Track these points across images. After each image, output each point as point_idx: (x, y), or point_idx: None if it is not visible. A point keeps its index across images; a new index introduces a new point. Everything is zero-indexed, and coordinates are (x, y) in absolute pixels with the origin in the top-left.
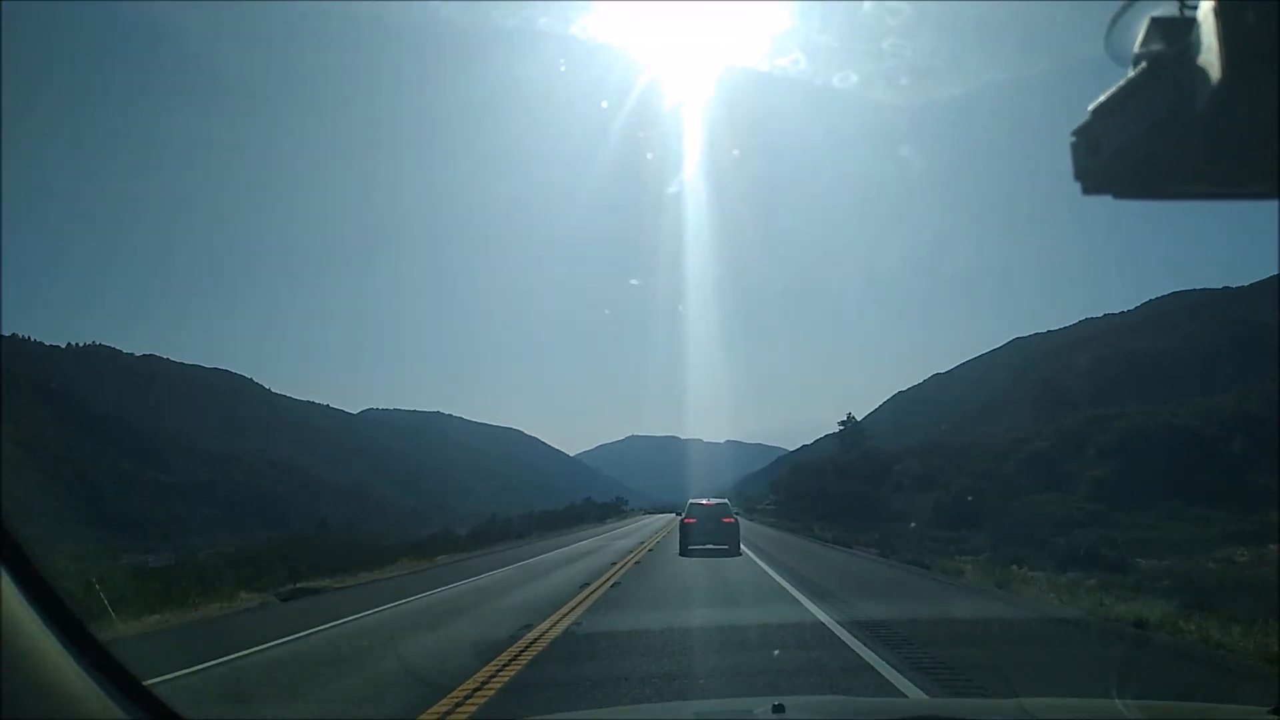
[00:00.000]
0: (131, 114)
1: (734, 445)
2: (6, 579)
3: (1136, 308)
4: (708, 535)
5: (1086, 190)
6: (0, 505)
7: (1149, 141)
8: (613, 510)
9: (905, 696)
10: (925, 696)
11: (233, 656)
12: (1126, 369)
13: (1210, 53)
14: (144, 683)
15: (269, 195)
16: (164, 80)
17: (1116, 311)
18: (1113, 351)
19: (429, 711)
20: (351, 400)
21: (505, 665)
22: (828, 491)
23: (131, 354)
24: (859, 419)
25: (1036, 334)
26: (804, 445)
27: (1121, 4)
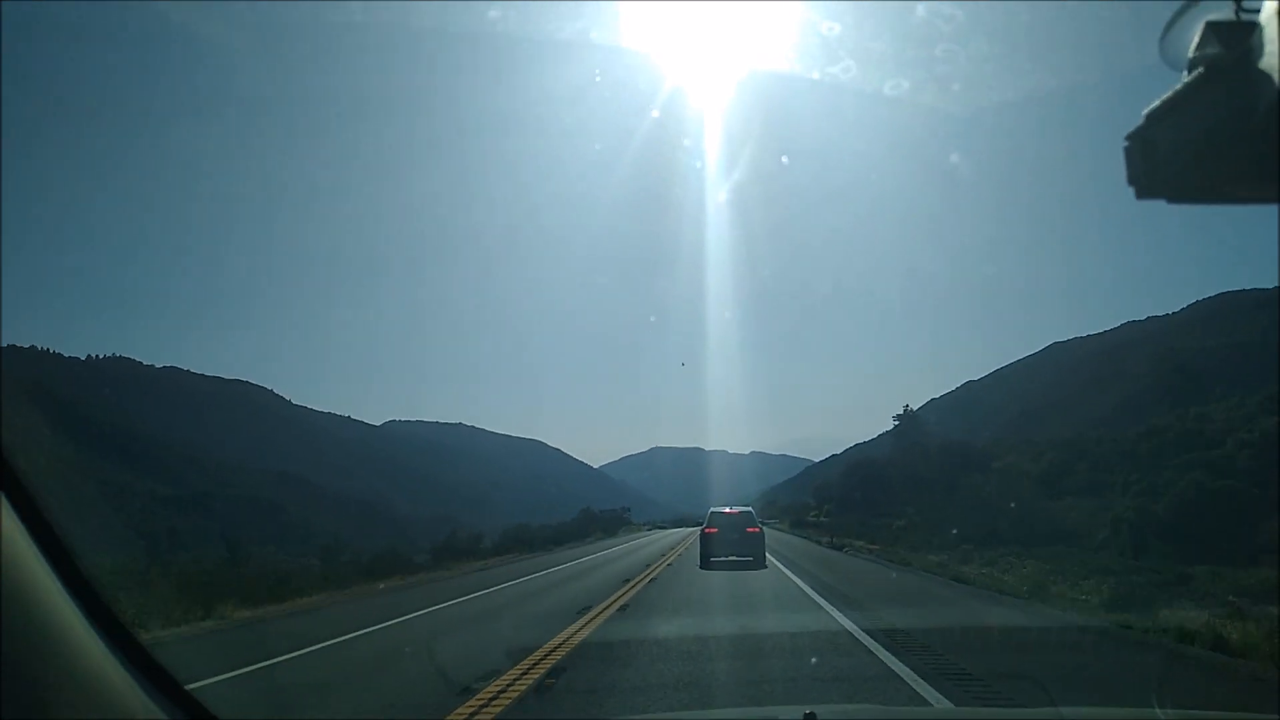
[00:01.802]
0: (157, 124)
1: (759, 456)
2: (57, 581)
3: (1183, 309)
4: (730, 546)
5: (1140, 195)
6: (46, 509)
7: (1205, 146)
8: (618, 523)
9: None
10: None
11: None
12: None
13: (1272, 56)
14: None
15: (295, 206)
16: (190, 90)
17: (1161, 314)
18: (1166, 349)
19: None
20: (374, 412)
21: None
22: (893, 495)
23: (152, 366)
24: (888, 428)
25: (1077, 338)
26: (833, 455)
27: (1176, 7)
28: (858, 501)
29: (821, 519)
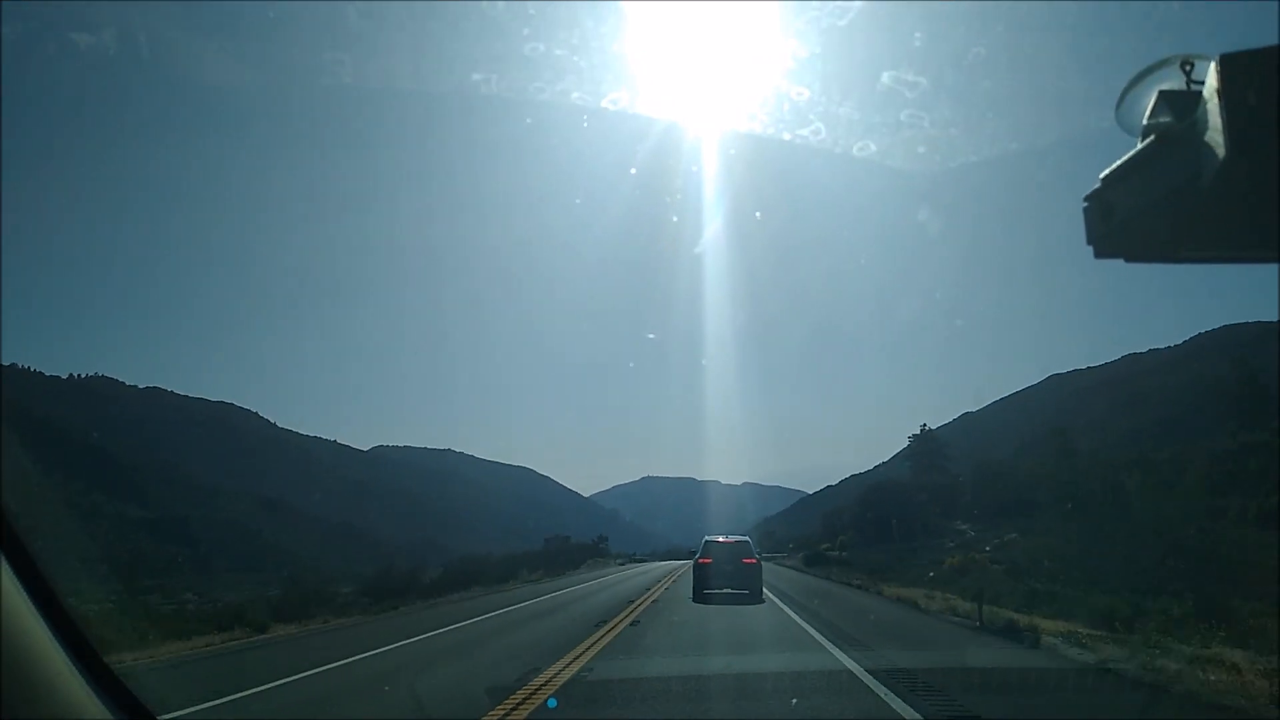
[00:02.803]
0: (144, 142)
1: (752, 487)
2: (25, 597)
3: (1184, 342)
4: (726, 578)
5: (1098, 254)
6: (17, 531)
7: (1158, 209)
8: (592, 553)
9: None
10: None
11: None
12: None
13: (1215, 131)
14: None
15: (288, 229)
16: (180, 112)
17: (1163, 346)
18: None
19: None
20: (362, 437)
21: None
22: (925, 523)
23: (135, 386)
24: (885, 459)
25: (1076, 370)
26: (828, 486)
27: (1131, 77)
28: (878, 530)
29: (839, 552)
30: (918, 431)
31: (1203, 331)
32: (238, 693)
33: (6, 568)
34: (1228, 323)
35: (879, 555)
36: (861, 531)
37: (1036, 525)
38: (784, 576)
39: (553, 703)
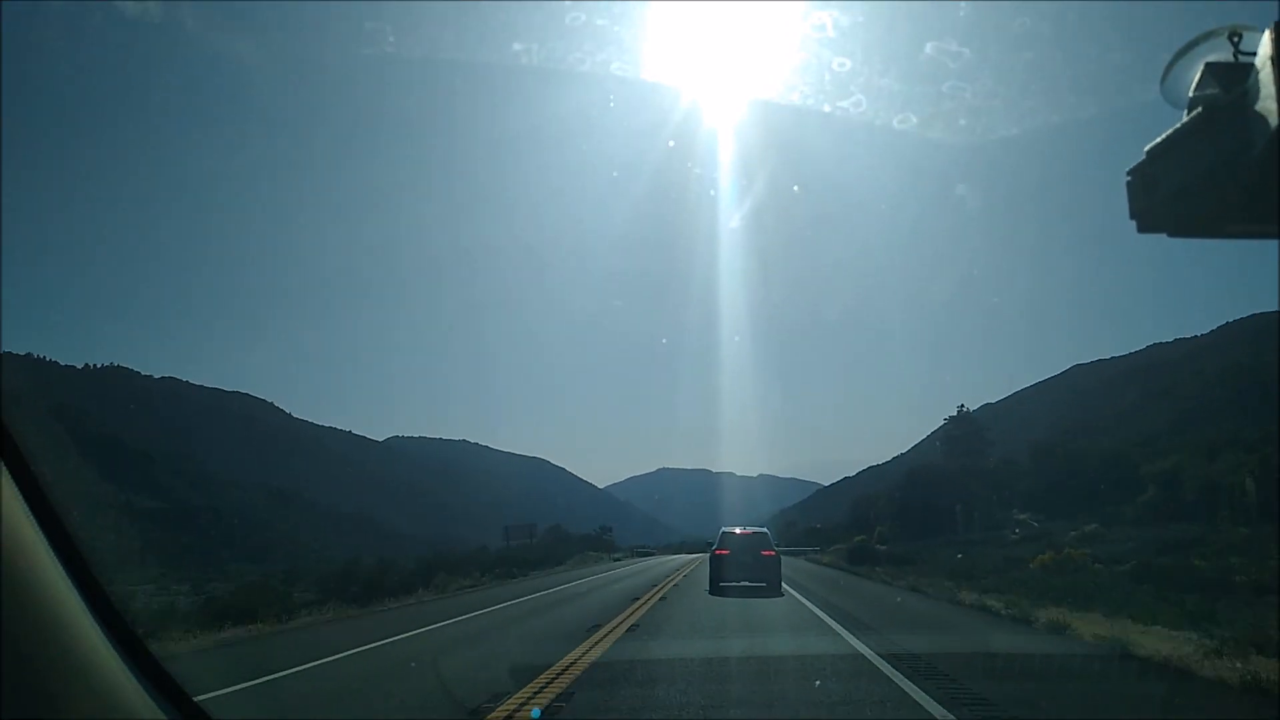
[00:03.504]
0: (162, 132)
1: (767, 479)
2: (75, 592)
3: (1211, 331)
4: (744, 570)
5: (1141, 229)
6: (67, 522)
7: (1204, 184)
8: (598, 545)
9: None
10: None
11: None
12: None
13: (1269, 99)
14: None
15: (307, 219)
16: (200, 102)
17: (1189, 336)
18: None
19: None
20: (377, 427)
21: None
22: (983, 510)
23: (150, 376)
24: (904, 450)
25: (1100, 360)
26: (845, 478)
27: (1177, 49)
28: (921, 520)
29: (882, 546)
30: (954, 413)
31: (1230, 321)
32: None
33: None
34: (1256, 311)
35: (935, 550)
36: (902, 521)
37: (1121, 514)
38: (837, 585)
39: (536, 713)
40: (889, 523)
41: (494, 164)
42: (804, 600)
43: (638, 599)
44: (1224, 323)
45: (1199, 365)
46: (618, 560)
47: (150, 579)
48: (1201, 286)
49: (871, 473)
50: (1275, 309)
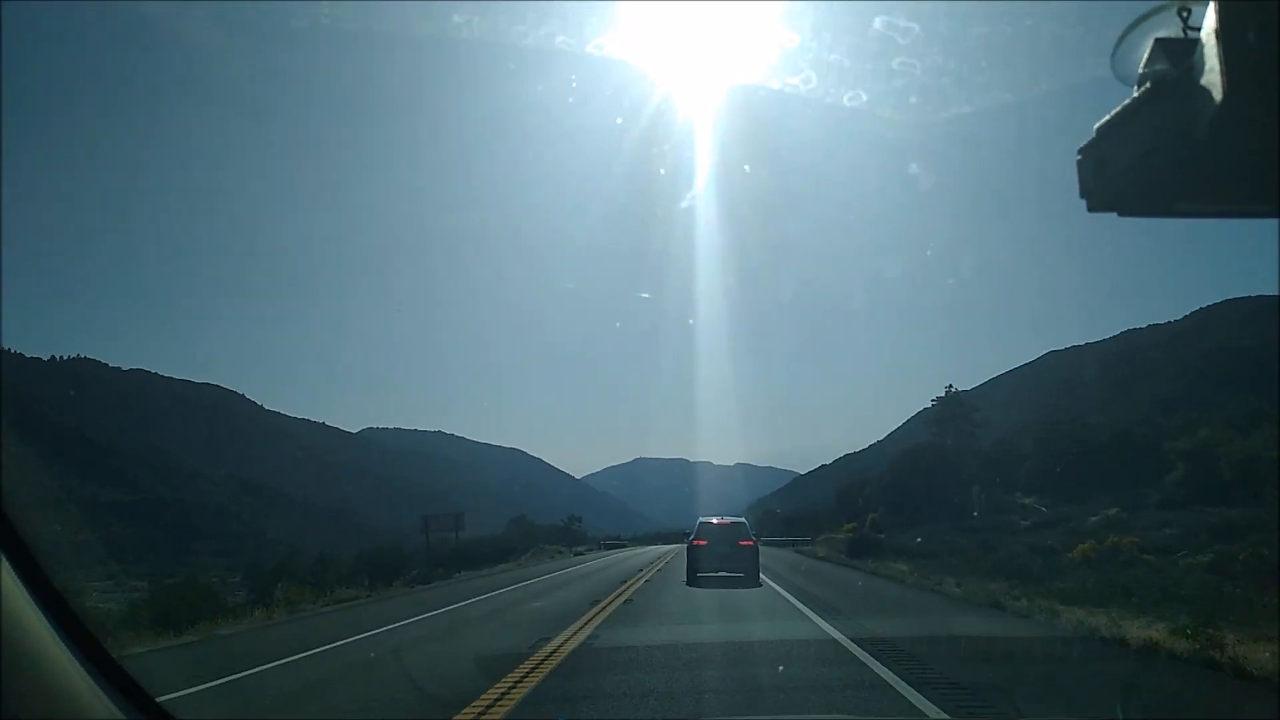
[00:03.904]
0: (130, 119)
1: (745, 468)
2: (21, 587)
3: (1184, 317)
4: (721, 560)
5: (1091, 207)
6: (11, 517)
7: (1153, 161)
8: (567, 536)
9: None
10: None
11: None
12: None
13: (1212, 73)
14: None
15: (274, 207)
16: (162, 87)
17: (1163, 321)
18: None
19: None
20: (351, 419)
21: None
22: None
23: (118, 368)
24: (883, 437)
25: (1075, 346)
26: (822, 465)
27: (1127, 25)
28: (916, 506)
29: (879, 535)
30: (941, 394)
31: (1204, 306)
32: None
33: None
34: (1230, 296)
35: (941, 538)
36: (895, 508)
37: (1143, 497)
38: (853, 590)
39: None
40: (880, 509)
41: (459, 146)
42: (824, 623)
43: (571, 625)
44: (1198, 308)
45: (1176, 350)
46: (580, 554)
47: (109, 575)
48: (1174, 272)
49: (849, 460)
50: (1248, 294)
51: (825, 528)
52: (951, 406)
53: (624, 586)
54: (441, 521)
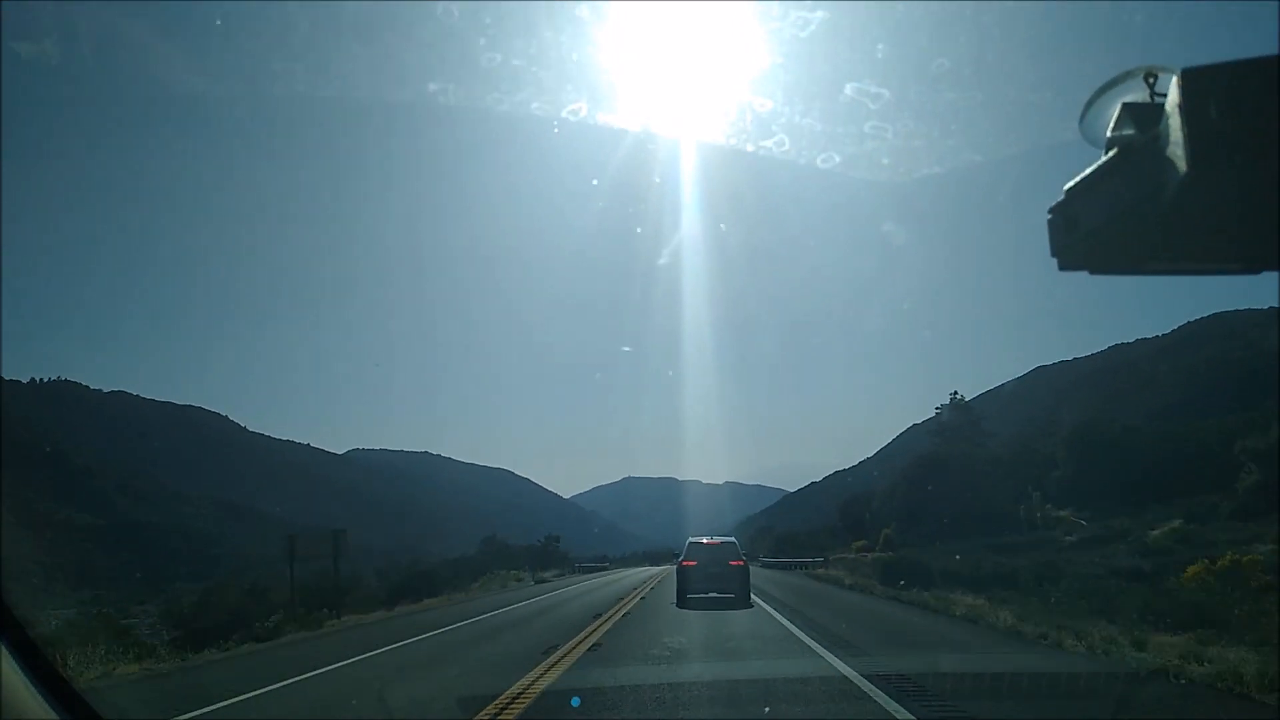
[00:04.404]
0: (113, 141)
1: (733, 486)
2: None
3: (1171, 331)
4: (711, 581)
5: (1063, 266)
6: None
7: (1121, 222)
8: (545, 558)
9: None
10: None
11: None
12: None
13: (1176, 145)
14: None
15: (261, 229)
16: (146, 114)
17: (1150, 336)
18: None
19: None
20: (337, 440)
21: None
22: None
23: (100, 390)
24: (873, 454)
25: (1063, 361)
26: (812, 482)
27: (1095, 89)
28: (934, 520)
29: (885, 553)
30: (946, 401)
31: (1191, 320)
32: None
33: None
34: (1218, 310)
35: (976, 557)
36: (909, 522)
37: (1213, 506)
38: (964, 650)
39: (576, 701)
40: (893, 524)
41: (450, 171)
42: None
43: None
44: (1184, 322)
45: (1165, 363)
46: (543, 581)
47: (79, 601)
48: (1160, 288)
49: (840, 477)
50: (1237, 308)
51: (830, 546)
52: (959, 414)
53: (568, 647)
54: (312, 543)
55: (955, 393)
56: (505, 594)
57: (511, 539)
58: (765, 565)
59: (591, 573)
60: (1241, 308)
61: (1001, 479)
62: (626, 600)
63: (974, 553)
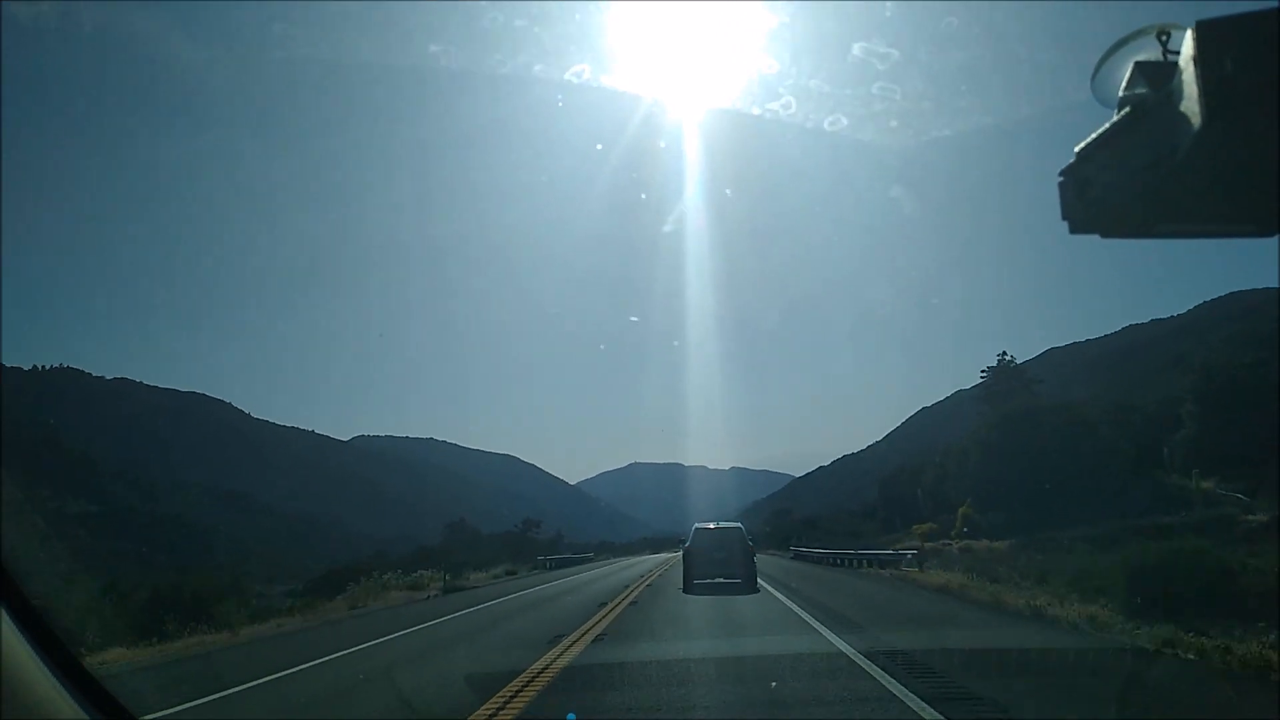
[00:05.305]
0: (113, 129)
1: (739, 472)
2: (5, 614)
3: (1187, 311)
4: (717, 566)
5: (1074, 229)
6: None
7: (1133, 184)
8: (521, 547)
9: None
10: None
11: None
12: None
13: (1190, 100)
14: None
15: (263, 215)
16: (147, 99)
17: (1165, 316)
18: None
19: None
20: (342, 427)
21: None
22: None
23: (102, 377)
24: (881, 437)
25: (1075, 343)
26: (820, 466)
27: (1107, 47)
28: (1028, 495)
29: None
30: (993, 364)
31: (1206, 300)
32: None
33: None
34: (1234, 289)
35: (1125, 542)
36: (991, 498)
37: None
38: None
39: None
40: (967, 499)
41: (454, 154)
42: None
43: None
44: (1200, 302)
45: (1183, 344)
46: (456, 590)
47: (64, 591)
48: (1176, 268)
49: (848, 461)
50: (1252, 287)
51: (865, 530)
52: (1005, 379)
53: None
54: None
55: (1004, 353)
56: (341, 629)
57: (485, 526)
58: (799, 557)
59: (577, 565)
60: (1259, 286)
61: (1106, 443)
62: (620, 599)
63: (1122, 539)
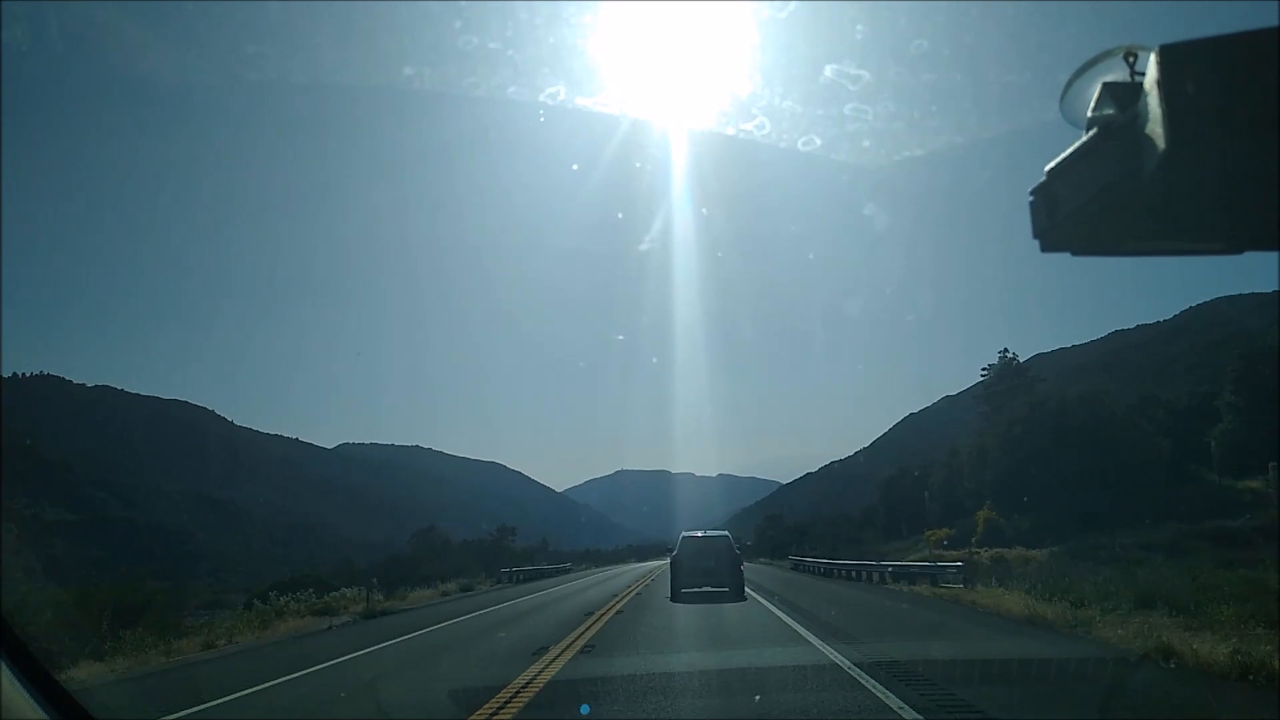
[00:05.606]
0: (97, 133)
1: (726, 479)
2: None
3: (1174, 316)
4: (705, 574)
5: (1044, 248)
6: None
7: (1102, 203)
8: (494, 557)
9: None
10: None
11: None
12: None
13: (1155, 122)
14: None
15: (246, 221)
16: (131, 106)
17: (1151, 321)
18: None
19: None
20: (326, 434)
21: None
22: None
23: (83, 385)
24: (868, 444)
25: (1061, 349)
26: (808, 473)
27: (1075, 69)
28: (1066, 492)
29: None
30: (994, 361)
31: (1192, 305)
32: None
33: None
34: (1220, 295)
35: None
36: (1013, 500)
37: None
38: None
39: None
40: (986, 501)
41: (439, 163)
42: None
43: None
44: (1187, 307)
45: (1169, 348)
46: (384, 614)
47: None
48: (1160, 273)
49: (835, 467)
50: (1239, 291)
51: (864, 537)
52: (1008, 378)
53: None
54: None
55: (1005, 350)
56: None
57: (465, 533)
58: (799, 568)
59: (539, 580)
60: (1244, 292)
61: (1140, 438)
62: (571, 641)
63: (1190, 546)
